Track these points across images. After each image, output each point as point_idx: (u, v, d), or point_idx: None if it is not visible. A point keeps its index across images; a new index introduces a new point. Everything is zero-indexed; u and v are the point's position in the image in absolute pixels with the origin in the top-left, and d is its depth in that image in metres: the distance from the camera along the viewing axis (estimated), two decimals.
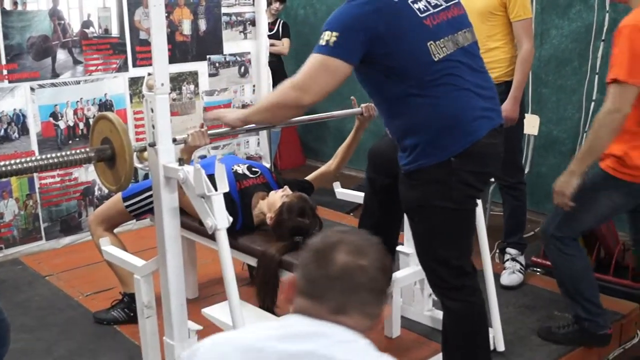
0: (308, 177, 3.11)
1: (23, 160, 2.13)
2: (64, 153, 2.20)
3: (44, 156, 2.17)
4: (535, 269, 3.76)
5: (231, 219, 2.13)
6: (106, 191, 4.32)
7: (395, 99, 2.16)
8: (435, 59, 2.09)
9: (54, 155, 2.18)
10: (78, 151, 2.22)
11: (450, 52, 2.14)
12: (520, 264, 3.60)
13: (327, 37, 2.07)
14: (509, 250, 3.64)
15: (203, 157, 4.57)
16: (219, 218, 2.09)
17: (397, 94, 2.14)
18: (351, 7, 2.10)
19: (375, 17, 2.06)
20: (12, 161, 2.10)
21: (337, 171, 3.18)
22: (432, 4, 2.18)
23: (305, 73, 2.11)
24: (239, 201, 2.66)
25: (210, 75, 4.70)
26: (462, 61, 2.16)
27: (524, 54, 3.39)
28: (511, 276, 3.52)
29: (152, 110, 2.22)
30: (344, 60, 2.06)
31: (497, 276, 3.50)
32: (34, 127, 4.02)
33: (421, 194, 2.21)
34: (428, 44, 2.10)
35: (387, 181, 2.60)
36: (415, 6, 2.13)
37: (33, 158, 2.17)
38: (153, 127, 2.23)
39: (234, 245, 2.24)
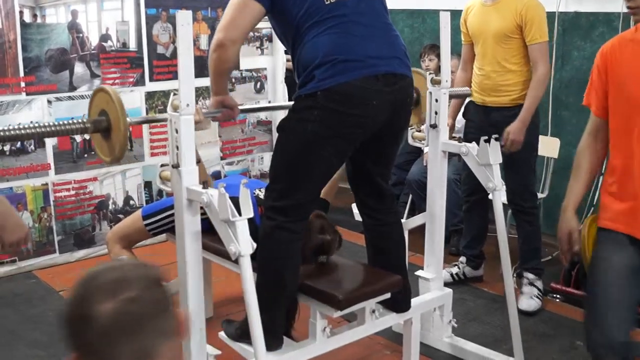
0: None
1: (21, 126, 2.15)
2: (61, 122, 2.21)
3: (41, 124, 2.19)
4: (554, 295, 3.70)
5: (255, 244, 2.09)
6: (120, 205, 4.30)
7: (293, 42, 2.35)
8: (327, 2, 2.27)
9: (51, 123, 2.20)
10: (75, 121, 2.24)
11: None
12: (538, 289, 3.55)
13: None
14: (526, 274, 3.59)
15: (216, 172, 4.55)
16: (243, 244, 2.05)
17: (291, 38, 2.34)
18: None
19: None
20: (9, 127, 2.14)
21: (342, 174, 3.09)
22: None
23: (226, 15, 2.32)
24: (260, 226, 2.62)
25: None
26: (357, 8, 2.31)
27: (539, 78, 3.36)
28: (529, 301, 3.47)
29: (176, 131, 2.19)
30: (257, 1, 2.27)
31: (502, 298, 3.45)
32: (51, 140, 4.00)
33: (288, 118, 2.38)
34: None
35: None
36: None
37: (30, 125, 2.18)
38: (177, 148, 2.19)
39: (254, 269, 2.19)
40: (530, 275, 3.57)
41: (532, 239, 3.63)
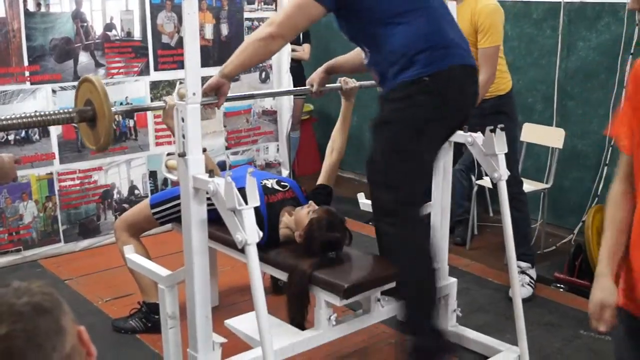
0: (321, 179, 3.03)
1: (7, 117, 2.14)
2: (48, 111, 2.22)
3: (28, 114, 2.18)
4: (558, 285, 3.71)
5: (261, 233, 2.09)
6: (125, 194, 4.31)
7: (374, 36, 2.33)
8: None
9: (38, 113, 2.20)
10: (61, 111, 2.25)
11: None
12: (530, 277, 3.57)
13: None
14: (519, 263, 3.59)
15: (221, 162, 4.55)
16: (249, 232, 2.05)
17: (375, 31, 2.32)
18: None
19: None
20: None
21: (341, 157, 3.06)
22: None
23: (283, 11, 2.34)
24: (266, 215, 2.63)
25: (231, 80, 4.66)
26: None
27: (480, 83, 3.38)
28: (521, 289, 3.47)
29: (182, 120, 2.19)
30: (319, 2, 2.27)
31: (506, 288, 3.48)
32: (55, 129, 4.00)
33: (389, 110, 2.36)
34: None
35: None
36: None
37: (16, 115, 2.16)
38: (183, 136, 2.19)
39: (261, 258, 2.20)
40: (523, 264, 3.57)
41: (520, 224, 3.61)
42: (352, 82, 2.92)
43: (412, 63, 2.28)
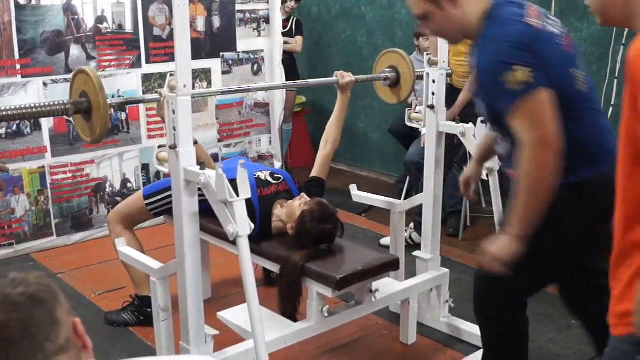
0: (314, 172, 3.01)
1: (3, 108, 2.14)
2: (43, 103, 2.20)
3: (22, 105, 2.17)
4: None
5: (252, 225, 2.09)
6: (117, 187, 4.30)
7: None
8: (578, 88, 1.98)
9: (33, 104, 2.19)
10: (56, 102, 2.23)
11: (585, 80, 2.01)
12: None
13: (518, 77, 1.87)
14: None
15: (214, 155, 4.55)
16: (241, 224, 2.05)
17: None
18: (510, 40, 1.92)
19: (532, 44, 1.91)
20: None
21: (335, 149, 3.02)
22: (557, 29, 2.02)
23: (533, 124, 1.90)
24: (258, 208, 2.63)
25: (224, 72, 4.67)
26: (594, 90, 2.09)
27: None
28: None
29: (173, 112, 2.19)
30: (545, 87, 1.89)
31: None
32: (47, 122, 4.00)
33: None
34: (570, 71, 1.98)
35: None
36: (551, 30, 1.98)
37: (11, 107, 2.16)
38: (174, 129, 2.19)
39: (253, 250, 2.20)
40: None
41: None
42: (349, 77, 2.88)
43: (573, 167, 1.96)
